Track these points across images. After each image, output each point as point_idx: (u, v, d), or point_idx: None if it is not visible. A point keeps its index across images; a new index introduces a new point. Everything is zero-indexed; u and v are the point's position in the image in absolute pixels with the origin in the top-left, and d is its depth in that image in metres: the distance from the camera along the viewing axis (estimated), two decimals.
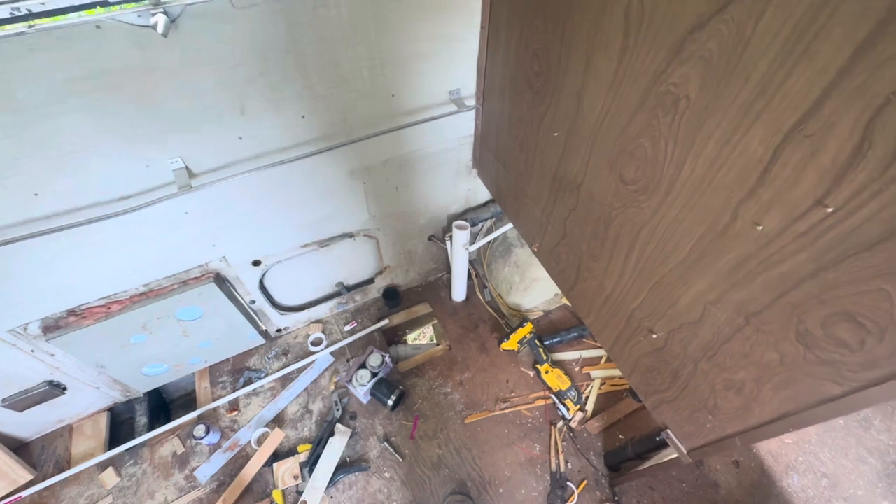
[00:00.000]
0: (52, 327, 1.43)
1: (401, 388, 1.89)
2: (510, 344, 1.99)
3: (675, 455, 1.23)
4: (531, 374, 2.00)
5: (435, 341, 2.14)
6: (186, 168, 1.24)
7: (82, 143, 1.07)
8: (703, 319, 0.92)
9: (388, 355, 1.95)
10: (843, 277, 0.63)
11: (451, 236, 1.98)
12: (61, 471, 1.70)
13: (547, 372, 1.91)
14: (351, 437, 1.79)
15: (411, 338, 2.15)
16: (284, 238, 1.67)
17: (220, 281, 1.63)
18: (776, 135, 0.64)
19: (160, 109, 1.10)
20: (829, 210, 0.61)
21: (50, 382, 1.59)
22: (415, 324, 2.22)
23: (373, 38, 1.23)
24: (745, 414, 0.92)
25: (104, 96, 1.02)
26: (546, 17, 1.04)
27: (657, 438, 1.40)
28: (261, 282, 1.80)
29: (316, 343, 2.10)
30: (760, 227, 0.72)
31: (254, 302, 1.85)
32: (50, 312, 1.39)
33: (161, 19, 0.93)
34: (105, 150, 1.11)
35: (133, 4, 0.94)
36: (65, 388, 1.65)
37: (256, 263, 1.69)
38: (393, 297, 2.21)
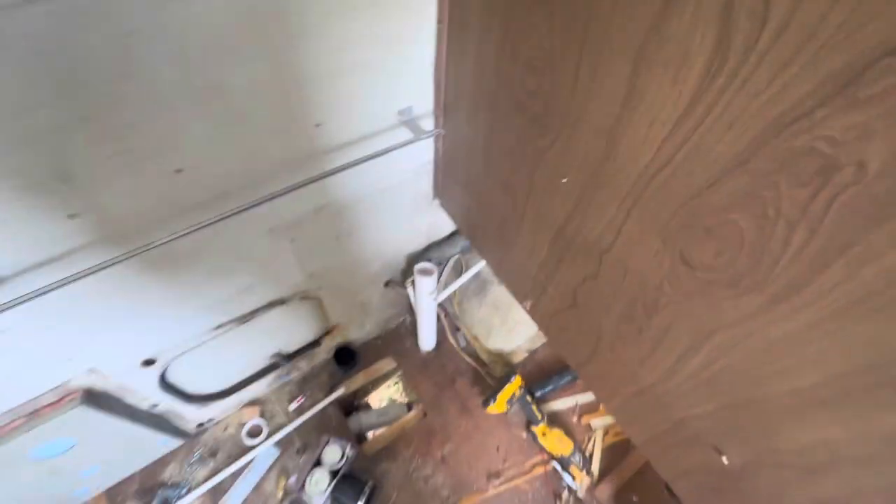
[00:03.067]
0: None
1: (370, 482, 1.50)
2: (498, 406, 1.65)
3: None
4: (524, 434, 1.69)
5: (406, 401, 1.77)
6: None
7: None
8: (825, 471, 0.61)
9: (349, 444, 1.54)
10: None
11: (412, 282, 1.59)
12: None
13: (544, 434, 1.60)
14: None
15: (375, 401, 1.77)
16: (186, 325, 1.20)
17: (94, 398, 1.14)
18: None
19: None
20: None
21: None
22: (378, 384, 1.83)
23: (279, 46, 0.79)
24: None
25: None
26: (551, 10, 0.66)
27: None
28: (162, 379, 1.33)
29: (254, 433, 1.64)
30: None
31: (156, 405, 1.37)
32: None
33: None
34: None
35: None
36: None
37: (149, 363, 1.21)
38: (347, 359, 1.80)
